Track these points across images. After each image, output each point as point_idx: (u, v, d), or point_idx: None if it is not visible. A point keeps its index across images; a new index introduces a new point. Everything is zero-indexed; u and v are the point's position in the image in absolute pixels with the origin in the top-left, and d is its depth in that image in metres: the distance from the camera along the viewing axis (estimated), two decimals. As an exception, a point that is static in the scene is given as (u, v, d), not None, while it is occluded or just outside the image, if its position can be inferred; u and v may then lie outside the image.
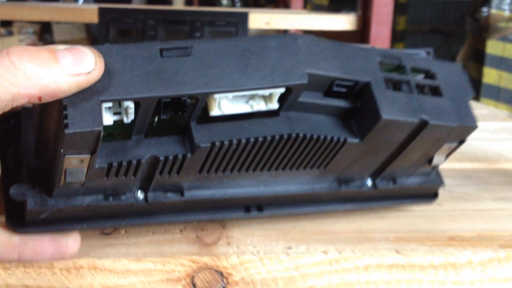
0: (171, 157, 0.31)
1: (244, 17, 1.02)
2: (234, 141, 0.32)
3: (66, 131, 0.27)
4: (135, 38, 0.99)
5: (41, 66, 0.26)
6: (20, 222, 0.31)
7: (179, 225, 0.39)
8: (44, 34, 4.11)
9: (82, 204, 0.32)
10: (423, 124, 0.34)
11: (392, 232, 0.38)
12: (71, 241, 0.32)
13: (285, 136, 0.32)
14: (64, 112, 0.27)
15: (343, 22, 1.24)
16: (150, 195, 0.33)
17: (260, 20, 1.21)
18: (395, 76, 0.34)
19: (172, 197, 0.34)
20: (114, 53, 0.28)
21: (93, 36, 4.19)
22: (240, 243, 0.36)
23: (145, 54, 0.29)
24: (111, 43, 1.04)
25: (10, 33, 3.90)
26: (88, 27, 4.14)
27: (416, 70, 0.36)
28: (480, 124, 0.38)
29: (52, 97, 0.26)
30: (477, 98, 2.10)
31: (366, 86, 0.33)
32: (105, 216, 0.34)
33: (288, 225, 0.39)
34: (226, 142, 0.31)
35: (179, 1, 3.99)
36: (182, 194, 0.34)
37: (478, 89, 2.23)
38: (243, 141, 0.32)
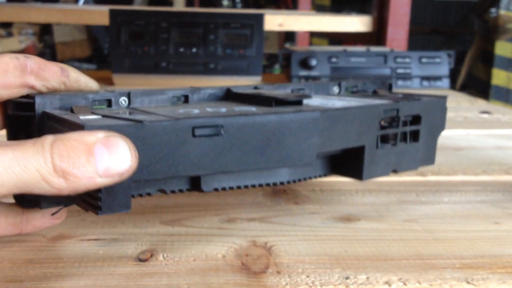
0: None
1: (259, 19, 0.99)
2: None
3: (99, 213, 0.28)
4: (147, 41, 0.96)
5: (77, 168, 0.26)
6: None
7: (220, 250, 0.35)
8: (44, 35, 4.07)
9: None
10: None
11: (456, 258, 0.35)
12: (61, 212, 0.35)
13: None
14: (98, 195, 0.28)
15: (358, 23, 1.21)
16: None
17: (273, 21, 1.18)
18: (388, 131, 0.39)
19: None
20: (147, 132, 0.29)
21: (93, 37, 4.16)
22: (292, 272, 0.33)
23: (178, 133, 0.30)
24: (122, 46, 1.00)
25: (10, 34, 3.86)
26: (88, 28, 4.11)
27: (409, 115, 0.40)
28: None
29: (83, 191, 0.27)
30: (486, 100, 2.07)
31: (361, 148, 0.38)
32: None
33: (339, 249, 0.36)
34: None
35: (180, 2, 3.96)
36: None
37: (487, 91, 2.20)
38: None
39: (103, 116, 0.31)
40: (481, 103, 0.90)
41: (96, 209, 0.28)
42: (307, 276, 0.32)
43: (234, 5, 4.53)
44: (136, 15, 0.96)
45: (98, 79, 1.03)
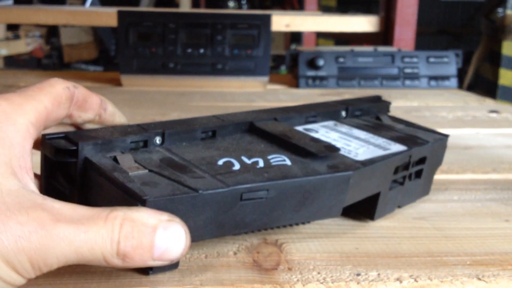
0: None
1: (266, 20, 0.99)
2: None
3: (150, 273, 0.31)
4: (155, 42, 0.96)
5: (138, 254, 0.28)
6: None
7: (231, 247, 0.35)
8: (51, 37, 4.09)
9: None
10: None
11: (466, 255, 0.35)
12: None
13: None
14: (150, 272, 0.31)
15: (365, 23, 1.21)
16: None
17: (280, 22, 1.18)
18: (400, 175, 0.41)
19: None
20: (201, 200, 0.31)
21: (99, 39, 4.17)
22: (303, 269, 0.33)
23: (228, 199, 0.32)
24: (130, 48, 1.01)
25: (17, 37, 3.88)
26: (95, 30, 4.12)
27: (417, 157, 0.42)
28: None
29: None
30: (493, 100, 2.06)
31: (376, 194, 0.39)
32: None
33: (350, 246, 0.36)
34: None
35: (186, 3, 3.97)
36: None
37: (494, 91, 2.20)
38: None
39: (149, 170, 0.32)
40: (489, 103, 0.90)
41: (147, 269, 0.31)
42: (318, 273, 0.32)
43: (240, 7, 4.53)
44: (144, 16, 0.96)
45: (106, 81, 1.04)
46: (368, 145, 0.41)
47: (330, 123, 0.45)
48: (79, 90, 0.34)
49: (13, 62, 3.73)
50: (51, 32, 4.08)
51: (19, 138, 0.30)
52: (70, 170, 0.34)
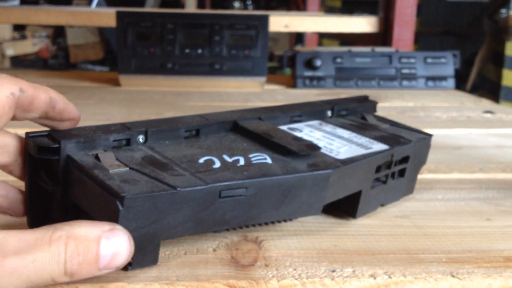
0: None
1: (264, 20, 1.00)
2: None
3: (129, 269, 0.32)
4: (153, 42, 0.97)
5: (85, 269, 0.28)
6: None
7: (211, 244, 0.36)
8: (58, 38, 4.11)
9: None
10: None
11: (443, 253, 0.35)
12: None
13: None
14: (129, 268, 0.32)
15: (365, 24, 1.21)
16: None
17: (279, 22, 1.19)
18: (382, 173, 0.41)
19: None
20: (180, 197, 0.31)
21: (106, 39, 4.19)
22: (279, 265, 0.33)
23: (207, 197, 0.32)
24: (129, 48, 1.01)
25: (23, 37, 3.91)
26: (101, 30, 4.14)
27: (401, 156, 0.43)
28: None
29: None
30: (496, 101, 2.06)
31: (358, 192, 0.40)
32: None
33: (329, 243, 0.36)
34: None
35: (192, 4, 3.98)
36: None
37: (497, 92, 2.19)
38: None
39: (130, 168, 0.33)
40: (485, 103, 0.90)
41: (129, 266, 0.32)
42: (294, 269, 0.33)
43: (245, 7, 4.54)
44: (142, 16, 0.97)
45: (105, 81, 1.04)
46: (350, 144, 0.41)
47: (315, 122, 0.46)
48: (26, 95, 0.32)
49: (20, 62, 3.76)
50: (58, 32, 4.10)
51: None
52: (53, 167, 0.34)
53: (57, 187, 0.34)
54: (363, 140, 0.42)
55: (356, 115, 0.48)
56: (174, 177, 0.32)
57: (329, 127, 0.45)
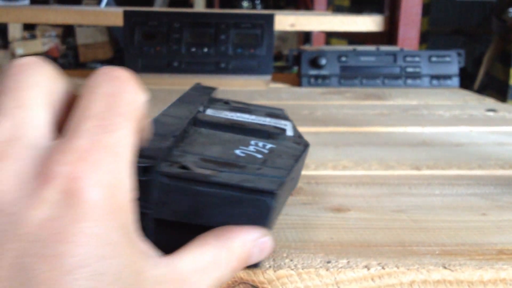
0: None
1: (270, 19, 1.01)
2: None
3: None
4: (160, 41, 0.98)
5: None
6: None
7: (211, 236, 0.37)
8: (67, 37, 4.14)
9: None
10: None
11: (437, 246, 0.36)
12: None
13: None
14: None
15: (370, 23, 1.22)
16: None
17: (285, 21, 1.20)
18: None
19: None
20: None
21: (115, 39, 4.21)
22: (276, 256, 0.34)
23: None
24: (136, 47, 1.03)
25: (33, 37, 3.94)
26: (110, 30, 4.17)
27: None
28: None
29: None
30: (504, 100, 2.05)
31: None
32: None
33: (325, 236, 0.37)
34: None
35: (201, 4, 3.99)
36: None
37: (505, 91, 2.18)
38: None
39: (213, 170, 0.30)
40: (489, 101, 0.91)
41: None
42: (291, 260, 0.34)
43: (254, 7, 4.55)
44: (149, 16, 0.98)
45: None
46: (277, 120, 0.43)
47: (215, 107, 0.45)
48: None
49: None
50: (67, 32, 4.13)
51: None
52: (147, 188, 0.28)
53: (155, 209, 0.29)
54: (272, 120, 0.43)
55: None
56: (256, 177, 0.31)
57: (231, 112, 0.44)
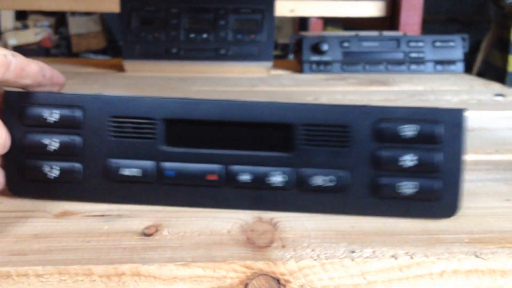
0: None
1: (270, 4, 0.98)
2: None
3: None
4: (157, 27, 0.95)
5: None
6: None
7: (225, 226, 0.35)
8: (60, 27, 4.09)
9: None
10: None
11: (464, 233, 0.34)
12: None
13: None
14: None
15: (372, 8, 1.19)
16: None
17: (285, 7, 1.17)
18: None
19: None
20: None
21: (108, 29, 4.17)
22: (297, 246, 0.32)
23: None
24: (133, 33, 0.99)
25: (25, 27, 3.89)
26: (103, 19, 4.12)
27: None
28: None
29: None
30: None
31: None
32: None
33: (346, 225, 0.35)
34: None
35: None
36: None
37: (503, 78, 2.17)
38: None
39: None
40: (495, 86, 0.89)
41: None
42: (313, 250, 0.32)
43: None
44: (146, 1, 0.96)
45: (109, 67, 1.03)
46: None
47: None
48: (17, 59, 0.34)
49: (22, 52, 3.65)
50: (60, 21, 4.08)
51: None
52: None
53: None
54: None
55: None
56: None
57: None
